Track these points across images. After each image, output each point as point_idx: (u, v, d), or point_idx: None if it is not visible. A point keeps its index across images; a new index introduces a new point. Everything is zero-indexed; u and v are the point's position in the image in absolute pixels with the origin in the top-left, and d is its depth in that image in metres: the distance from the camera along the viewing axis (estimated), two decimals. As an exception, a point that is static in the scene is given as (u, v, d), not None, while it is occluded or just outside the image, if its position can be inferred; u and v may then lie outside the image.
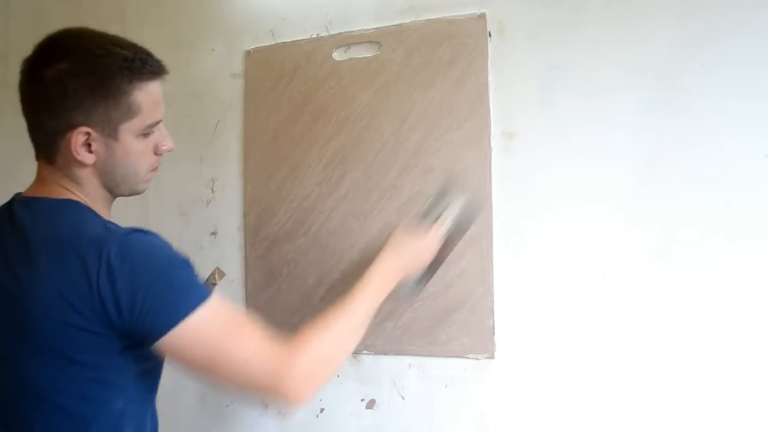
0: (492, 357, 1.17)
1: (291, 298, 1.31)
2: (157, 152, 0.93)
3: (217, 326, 0.82)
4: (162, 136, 0.92)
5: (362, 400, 1.27)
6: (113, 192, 0.92)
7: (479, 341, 1.18)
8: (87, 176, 0.88)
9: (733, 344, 1.04)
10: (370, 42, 1.27)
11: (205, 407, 1.39)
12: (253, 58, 1.37)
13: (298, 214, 1.31)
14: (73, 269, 0.79)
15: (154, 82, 0.88)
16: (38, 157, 0.90)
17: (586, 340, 1.12)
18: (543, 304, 1.14)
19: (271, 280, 1.33)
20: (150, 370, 0.90)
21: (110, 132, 0.85)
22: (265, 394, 0.90)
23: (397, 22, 1.24)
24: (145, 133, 0.89)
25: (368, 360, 1.26)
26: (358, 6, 1.28)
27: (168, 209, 1.45)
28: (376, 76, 1.25)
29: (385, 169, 1.24)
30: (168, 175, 1.37)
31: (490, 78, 1.18)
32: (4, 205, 0.92)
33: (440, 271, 1.19)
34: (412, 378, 1.23)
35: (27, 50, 0.87)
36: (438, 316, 1.20)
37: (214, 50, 1.42)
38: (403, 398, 1.24)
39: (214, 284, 1.25)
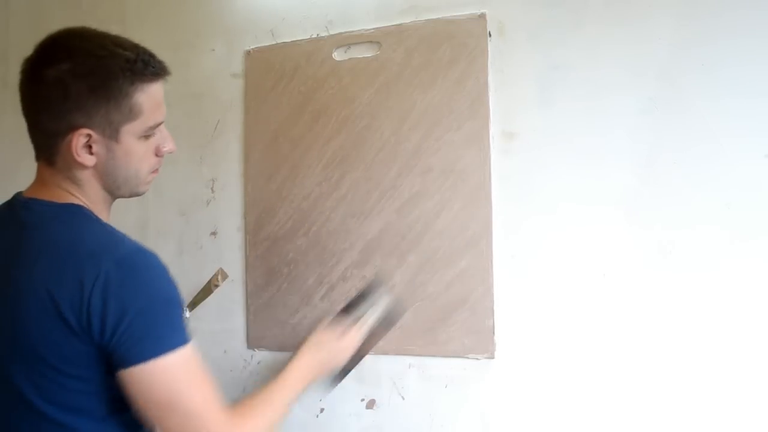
0: (492, 357, 1.17)
1: (291, 298, 1.31)
2: (158, 154, 0.92)
3: (184, 373, 0.82)
4: (163, 138, 0.91)
5: (362, 400, 1.27)
6: (113, 194, 0.91)
7: (479, 341, 1.18)
8: (87, 178, 0.87)
9: (733, 344, 1.04)
10: (370, 42, 1.27)
11: (205, 407, 1.39)
12: (253, 58, 1.37)
13: (298, 214, 1.31)
14: (68, 277, 0.79)
15: (156, 84, 0.87)
16: (38, 157, 0.89)
17: (586, 340, 1.12)
18: (543, 304, 1.14)
19: (271, 280, 1.33)
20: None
21: (111, 134, 0.84)
22: None
23: (397, 22, 1.24)
24: (147, 135, 0.88)
25: (368, 360, 1.25)
26: (358, 6, 1.28)
27: (168, 209, 1.45)
28: (376, 76, 1.25)
29: (385, 169, 1.24)
30: (168, 175, 1.37)
31: (490, 78, 1.18)
32: (4, 204, 0.91)
33: (440, 271, 1.19)
34: (412, 378, 1.23)
35: (27, 50, 0.86)
36: (438, 316, 1.20)
37: (214, 50, 1.42)
38: (403, 398, 1.24)
39: (217, 285, 1.25)
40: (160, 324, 0.81)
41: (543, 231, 1.15)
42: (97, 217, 0.88)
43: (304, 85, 1.31)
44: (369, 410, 1.26)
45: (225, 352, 1.38)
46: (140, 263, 0.82)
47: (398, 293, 1.19)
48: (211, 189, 1.41)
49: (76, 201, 0.87)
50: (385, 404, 1.25)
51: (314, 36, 1.31)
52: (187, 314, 1.22)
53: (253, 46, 1.37)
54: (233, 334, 1.37)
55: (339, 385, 1.18)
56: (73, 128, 0.83)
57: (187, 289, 1.30)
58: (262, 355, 1.35)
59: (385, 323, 1.16)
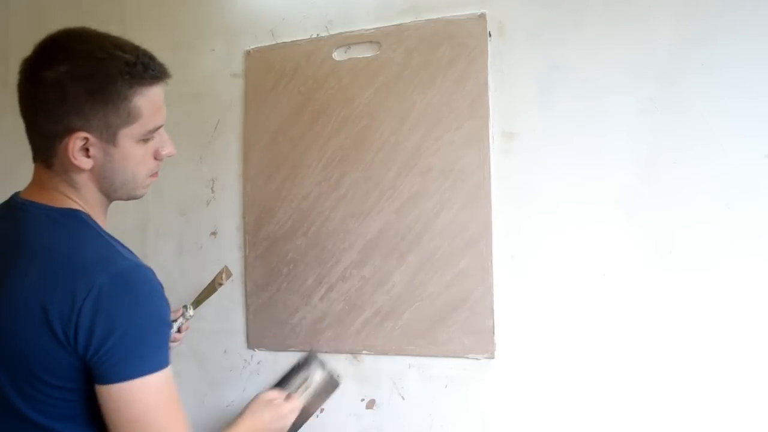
0: (492, 357, 1.17)
1: (291, 298, 1.31)
2: (157, 157, 0.91)
3: (161, 396, 0.81)
4: (162, 141, 0.90)
5: (362, 400, 1.27)
6: (111, 197, 0.90)
7: (479, 341, 1.17)
8: (84, 181, 0.86)
9: (733, 344, 1.03)
10: (370, 42, 1.27)
11: (205, 407, 1.39)
12: (253, 58, 1.37)
13: (298, 214, 1.31)
14: (61, 287, 0.78)
15: (156, 87, 0.86)
16: (35, 159, 0.88)
17: (586, 340, 1.12)
18: (543, 304, 1.14)
19: (271, 280, 1.33)
20: None
21: (109, 137, 0.83)
22: None
23: (397, 22, 1.24)
24: (145, 139, 0.87)
25: (368, 360, 1.26)
26: (358, 6, 1.28)
27: (168, 209, 1.45)
28: (376, 76, 1.25)
29: (384, 169, 1.24)
30: (168, 175, 1.36)
31: (490, 78, 1.18)
32: (1, 205, 0.91)
33: (440, 271, 1.19)
34: (412, 378, 1.23)
35: (27, 50, 0.86)
36: (438, 316, 1.20)
37: (214, 50, 1.42)
38: (403, 398, 1.24)
39: (221, 284, 1.25)
40: (145, 344, 0.80)
41: (543, 231, 1.15)
42: (95, 224, 0.87)
43: (304, 85, 1.31)
44: (369, 410, 1.26)
45: (225, 352, 1.38)
46: (135, 280, 0.81)
47: (332, 366, 1.23)
48: (211, 189, 1.41)
49: (74, 205, 0.86)
50: (385, 404, 1.25)
51: (314, 36, 1.31)
52: (191, 312, 1.22)
53: (253, 46, 1.37)
54: (233, 334, 1.37)
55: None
56: (70, 131, 0.81)
57: (187, 290, 1.30)
58: (262, 355, 1.35)
59: (324, 392, 1.20)
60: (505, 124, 1.18)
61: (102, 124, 0.82)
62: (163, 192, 1.43)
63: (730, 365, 1.04)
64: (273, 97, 1.34)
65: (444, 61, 1.21)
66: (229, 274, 1.27)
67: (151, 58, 0.86)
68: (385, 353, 1.24)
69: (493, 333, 1.17)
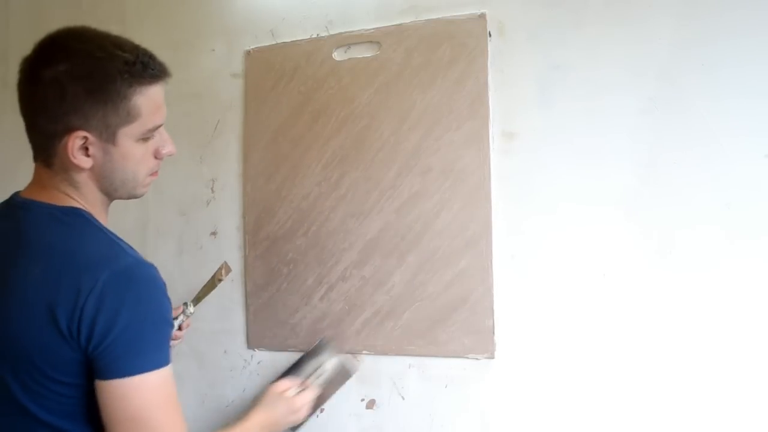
0: (492, 357, 1.17)
1: (291, 298, 1.31)
2: (157, 156, 0.91)
3: (159, 395, 0.81)
4: (162, 140, 0.90)
5: (362, 400, 1.27)
6: (111, 196, 0.90)
7: (479, 341, 1.17)
8: (84, 180, 0.86)
9: (733, 344, 1.03)
10: (370, 42, 1.27)
11: (204, 407, 1.39)
12: (253, 58, 1.37)
13: (298, 214, 1.31)
14: (65, 284, 0.78)
15: (156, 86, 0.86)
16: (36, 158, 0.88)
17: (586, 340, 1.12)
18: (543, 304, 1.14)
19: (271, 280, 1.33)
20: None
21: (108, 137, 0.83)
22: None
23: (397, 22, 1.24)
24: (145, 138, 0.87)
25: (368, 360, 1.26)
26: (358, 6, 1.28)
27: (168, 209, 1.45)
28: (375, 76, 1.25)
29: (384, 169, 1.24)
30: (168, 175, 1.37)
31: (490, 78, 1.18)
32: (1, 204, 0.91)
33: (440, 271, 1.19)
34: (412, 378, 1.23)
35: (27, 50, 0.86)
36: (438, 316, 1.20)
37: (214, 50, 1.41)
38: (403, 398, 1.24)
39: (221, 280, 1.25)
40: (145, 341, 0.80)
41: (543, 231, 1.15)
42: (97, 221, 0.87)
43: (304, 85, 1.31)
44: (369, 410, 1.26)
45: (225, 352, 1.38)
46: (138, 276, 0.81)
47: (347, 351, 1.23)
48: (211, 189, 1.41)
49: (75, 204, 0.87)
50: (385, 404, 1.25)
51: (314, 36, 1.31)
52: (192, 309, 1.22)
53: (253, 46, 1.37)
54: (233, 334, 1.37)
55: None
56: (70, 130, 0.82)
57: (187, 289, 1.30)
58: (262, 355, 1.35)
59: (339, 379, 1.21)
60: (505, 124, 1.18)
61: (101, 123, 0.82)
62: (163, 192, 1.43)
63: (730, 365, 1.04)
64: (273, 97, 1.34)
65: (444, 61, 1.21)
66: (228, 270, 1.27)
67: (151, 57, 0.86)
68: (385, 353, 1.24)
69: (493, 333, 1.17)
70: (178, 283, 1.37)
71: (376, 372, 1.25)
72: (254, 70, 1.36)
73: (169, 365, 0.83)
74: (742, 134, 1.04)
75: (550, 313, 1.14)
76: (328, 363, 1.21)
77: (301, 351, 1.29)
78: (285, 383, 1.15)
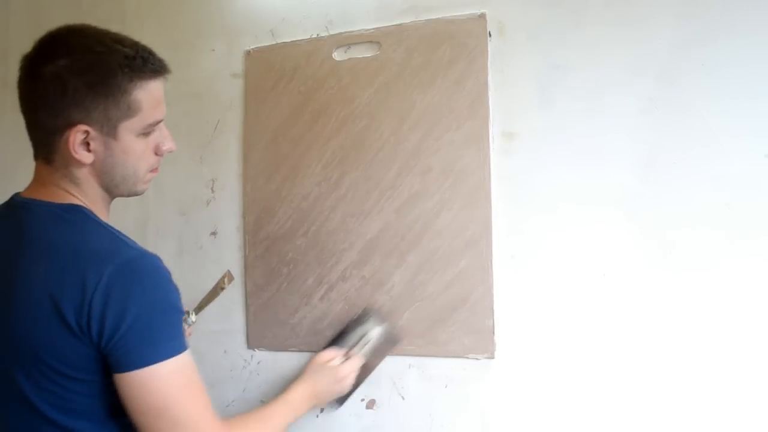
0: (492, 357, 1.17)
1: (291, 298, 1.31)
2: (157, 152, 0.91)
3: (179, 382, 0.82)
4: (162, 136, 0.91)
5: (362, 400, 1.27)
6: (112, 193, 0.90)
7: (479, 341, 1.17)
8: (85, 176, 0.87)
9: (733, 344, 1.03)
10: (370, 42, 1.27)
11: (204, 407, 1.39)
12: (253, 58, 1.37)
13: (298, 214, 1.31)
14: (70, 280, 0.78)
15: (156, 81, 0.87)
16: (36, 156, 0.88)
17: (586, 340, 1.11)
18: (543, 304, 1.14)
19: (271, 280, 1.33)
20: None
21: (109, 131, 0.84)
22: None
23: (397, 22, 1.24)
24: (146, 133, 0.88)
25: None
26: (358, 6, 1.28)
27: (168, 209, 1.45)
28: (375, 76, 1.25)
29: (384, 169, 1.24)
30: (168, 175, 1.37)
31: (490, 78, 1.18)
32: (1, 206, 0.91)
33: (440, 271, 1.19)
34: (412, 378, 1.23)
35: (27, 50, 0.86)
36: (438, 316, 1.20)
37: (214, 50, 1.42)
38: (403, 398, 1.24)
39: (223, 288, 1.26)
40: (158, 331, 0.81)
41: (543, 231, 1.15)
42: (97, 218, 0.87)
43: (304, 85, 1.31)
44: (369, 410, 1.26)
45: (225, 352, 1.38)
46: (143, 268, 0.82)
47: (393, 319, 1.21)
48: (211, 189, 1.41)
49: (75, 201, 0.87)
50: (385, 404, 1.25)
51: (314, 36, 1.31)
52: (194, 318, 1.22)
53: (253, 46, 1.37)
54: (233, 334, 1.37)
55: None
56: (71, 125, 0.82)
57: (186, 289, 1.28)
58: (262, 355, 1.35)
59: (384, 347, 1.19)
60: (505, 124, 1.18)
61: (102, 117, 0.83)
62: (163, 192, 1.43)
63: (730, 365, 1.04)
64: (273, 97, 1.34)
65: (444, 61, 1.20)
66: (231, 278, 1.27)
67: (150, 52, 0.87)
68: (385, 353, 1.24)
69: (493, 333, 1.17)
70: (178, 284, 1.35)
71: (376, 372, 1.25)
72: (254, 70, 1.36)
73: (186, 351, 0.83)
74: (742, 134, 1.04)
75: (550, 313, 1.14)
76: (373, 332, 1.18)
77: (301, 351, 1.29)
78: (329, 353, 1.13)
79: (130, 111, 0.84)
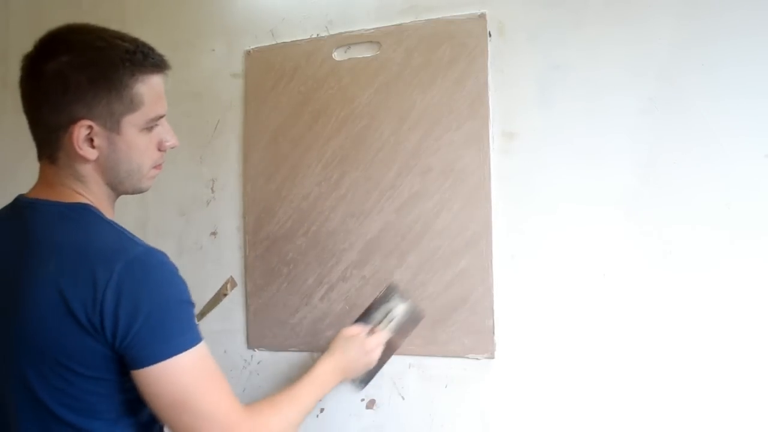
0: (492, 357, 1.17)
1: (291, 298, 1.31)
2: (160, 148, 0.91)
3: (196, 374, 0.82)
4: (165, 132, 0.91)
5: (362, 400, 1.27)
6: (116, 189, 0.90)
7: (479, 341, 1.17)
8: (90, 173, 0.87)
9: (733, 344, 1.03)
10: (370, 42, 1.27)
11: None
12: (253, 58, 1.37)
13: (298, 214, 1.31)
14: (80, 279, 0.79)
15: (157, 76, 0.87)
16: (40, 157, 0.88)
17: (586, 340, 1.12)
18: (543, 304, 1.14)
19: (271, 280, 1.33)
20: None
21: (112, 125, 0.84)
22: None
23: (397, 22, 1.24)
24: (148, 128, 0.88)
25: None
26: (358, 6, 1.28)
27: (168, 209, 1.45)
28: (375, 76, 1.25)
29: (384, 169, 1.24)
30: (168, 175, 1.36)
31: (490, 78, 1.18)
32: (6, 207, 0.91)
33: (440, 271, 1.19)
34: (412, 378, 1.23)
35: (27, 50, 0.86)
36: (438, 316, 1.20)
37: (214, 50, 1.42)
38: (403, 398, 1.24)
39: (226, 294, 1.25)
40: (171, 325, 0.81)
41: (543, 231, 1.15)
42: (104, 215, 0.88)
43: (304, 85, 1.31)
44: (369, 410, 1.26)
45: (225, 352, 1.38)
46: (151, 263, 0.82)
47: (415, 297, 1.20)
48: (211, 189, 1.41)
49: (82, 199, 0.87)
50: (385, 404, 1.25)
51: (314, 36, 1.31)
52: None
53: (253, 46, 1.37)
54: (233, 334, 1.37)
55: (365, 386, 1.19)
56: (74, 120, 0.82)
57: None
58: (262, 355, 1.35)
59: (408, 325, 1.17)
60: (505, 124, 1.18)
61: (105, 111, 0.83)
62: (163, 192, 1.43)
63: (731, 365, 1.04)
64: (273, 97, 1.34)
65: (444, 61, 1.21)
66: (234, 285, 1.27)
67: (151, 48, 0.88)
68: (385, 353, 1.24)
69: (493, 333, 1.17)
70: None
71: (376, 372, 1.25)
72: (254, 70, 1.36)
73: (201, 343, 0.83)
74: (742, 134, 1.04)
75: (550, 313, 1.14)
76: (398, 308, 1.18)
77: (301, 351, 1.29)
78: (355, 328, 1.13)
79: (133, 105, 0.85)
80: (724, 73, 1.05)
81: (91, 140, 0.84)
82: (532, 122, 1.16)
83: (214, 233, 1.41)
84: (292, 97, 1.32)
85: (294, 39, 1.33)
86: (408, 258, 1.22)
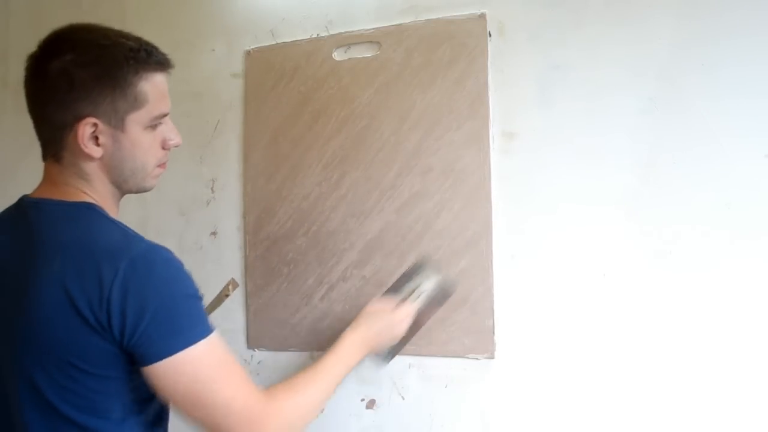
0: (492, 357, 1.17)
1: (291, 298, 1.31)
2: (164, 146, 0.92)
3: (210, 364, 0.82)
4: (169, 130, 0.91)
5: (362, 400, 1.27)
6: (121, 188, 0.91)
7: (479, 341, 1.17)
8: (95, 171, 0.87)
9: (733, 344, 1.04)
10: (370, 42, 1.27)
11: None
12: (253, 58, 1.37)
13: (298, 214, 1.31)
14: (86, 277, 0.79)
15: (160, 74, 0.88)
16: (45, 156, 0.89)
17: (586, 340, 1.12)
18: (543, 304, 1.14)
19: (271, 280, 1.33)
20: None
21: (117, 123, 0.84)
22: None
23: (397, 22, 1.24)
24: (153, 126, 0.88)
25: (368, 360, 1.25)
26: (358, 6, 1.28)
27: (168, 209, 1.45)
28: (376, 76, 1.26)
29: (384, 169, 1.24)
30: (168, 175, 1.35)
31: (490, 78, 1.18)
32: (11, 207, 0.91)
33: (440, 271, 1.19)
34: (412, 378, 1.23)
35: (27, 50, 0.86)
36: (438, 316, 1.20)
37: (214, 50, 1.42)
38: (403, 398, 1.24)
39: (227, 295, 1.25)
40: (179, 320, 0.81)
41: (543, 231, 1.15)
42: (108, 215, 0.88)
43: (304, 85, 1.31)
44: (369, 410, 1.26)
45: (225, 352, 1.38)
46: (156, 260, 0.82)
47: (447, 271, 1.17)
48: (211, 189, 1.41)
49: (86, 198, 0.87)
50: (385, 404, 1.25)
51: (314, 36, 1.32)
52: None
53: (253, 46, 1.37)
54: (233, 334, 1.37)
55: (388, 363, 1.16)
56: (79, 118, 0.83)
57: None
58: (262, 355, 1.35)
59: (438, 299, 1.14)
60: (505, 124, 1.18)
61: (110, 108, 0.83)
62: (163, 192, 1.42)
63: (730, 365, 1.04)
64: (273, 97, 1.34)
65: (444, 61, 1.21)
66: (235, 286, 1.27)
67: (154, 47, 0.88)
68: (385, 353, 1.24)
69: (493, 333, 1.17)
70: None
71: (376, 372, 1.25)
72: (254, 70, 1.36)
73: (213, 334, 0.83)
74: (742, 134, 1.04)
75: (550, 313, 1.14)
76: (427, 283, 1.14)
77: (301, 351, 1.29)
78: (381, 303, 1.10)
79: (137, 103, 0.85)
80: (724, 73, 1.05)
81: (96, 138, 0.84)
82: (532, 122, 1.16)
83: (214, 233, 1.41)
84: (292, 97, 1.32)
85: (294, 39, 1.33)
86: (408, 258, 1.22)
